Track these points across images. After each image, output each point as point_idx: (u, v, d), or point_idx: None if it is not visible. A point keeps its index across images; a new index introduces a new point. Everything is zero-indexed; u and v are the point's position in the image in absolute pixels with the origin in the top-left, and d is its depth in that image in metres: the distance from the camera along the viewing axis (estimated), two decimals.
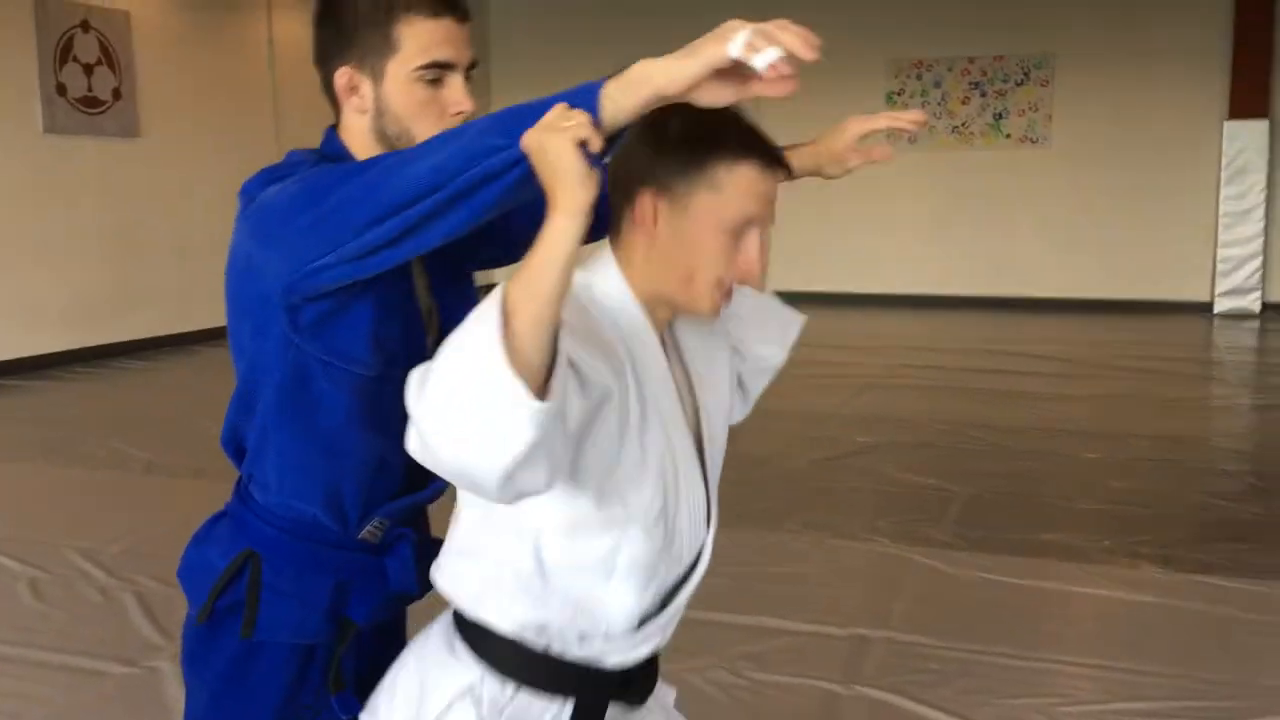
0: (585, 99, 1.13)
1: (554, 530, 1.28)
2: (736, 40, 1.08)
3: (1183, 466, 5.15)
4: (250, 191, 1.40)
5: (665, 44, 1.16)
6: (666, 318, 1.37)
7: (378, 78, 1.43)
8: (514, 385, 1.03)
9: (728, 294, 1.32)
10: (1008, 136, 11.00)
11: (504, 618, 1.32)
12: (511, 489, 1.08)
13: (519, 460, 1.05)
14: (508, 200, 1.20)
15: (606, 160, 1.12)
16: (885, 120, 1.56)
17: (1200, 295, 10.49)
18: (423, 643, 1.43)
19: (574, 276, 1.25)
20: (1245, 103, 10.17)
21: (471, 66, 1.47)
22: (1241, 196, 10.13)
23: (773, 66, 1.07)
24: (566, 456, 1.14)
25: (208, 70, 9.28)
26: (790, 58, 1.08)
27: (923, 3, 10.98)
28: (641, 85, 1.11)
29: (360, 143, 1.46)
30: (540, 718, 1.34)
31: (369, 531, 1.53)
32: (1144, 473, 5.01)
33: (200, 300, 8.91)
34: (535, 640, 1.32)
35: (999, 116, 11.00)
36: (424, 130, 1.42)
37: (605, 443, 1.24)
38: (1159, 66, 10.44)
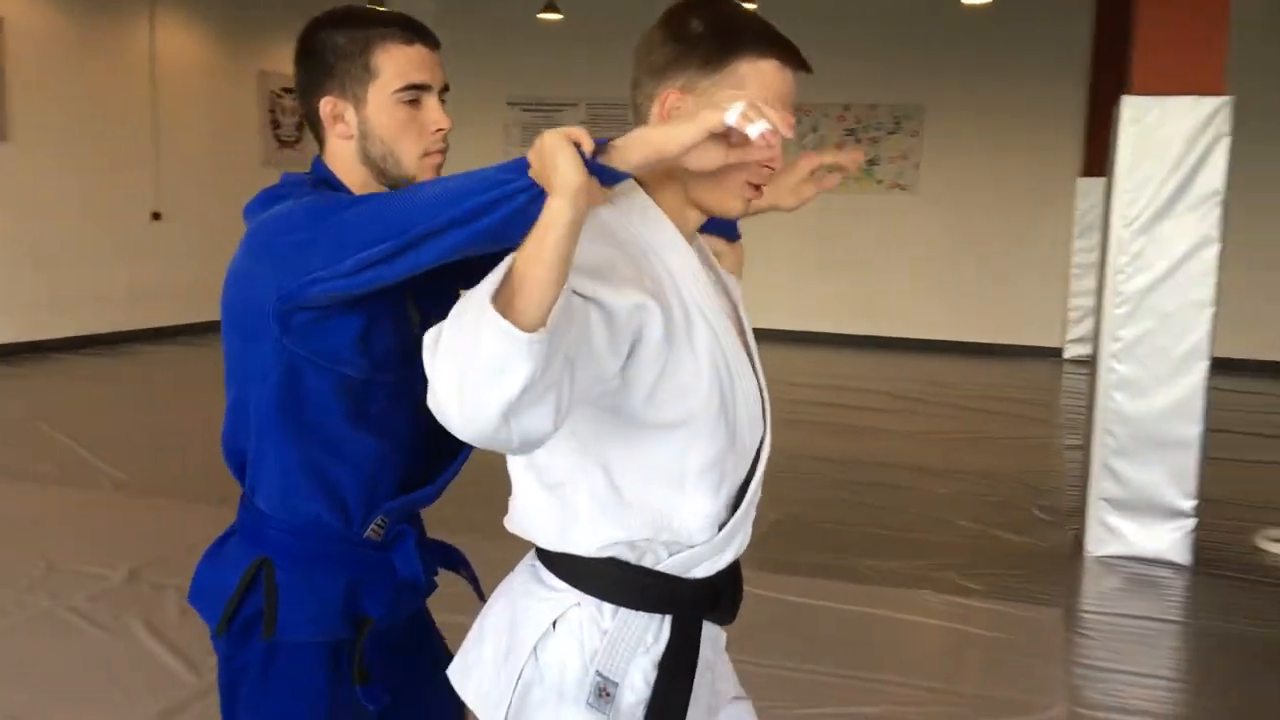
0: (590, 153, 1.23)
1: (619, 446, 1.32)
2: (733, 110, 1.20)
3: (984, 500, 5.52)
4: (254, 211, 1.53)
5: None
6: (697, 221, 1.42)
7: (360, 104, 1.55)
8: (502, 323, 1.07)
9: (758, 189, 1.38)
10: (879, 182, 11.47)
11: (590, 544, 1.34)
12: (516, 429, 1.10)
13: (516, 396, 1.08)
14: (506, 230, 1.27)
15: (598, 159, 1.19)
16: (830, 156, 1.65)
17: (1052, 341, 11.03)
18: (507, 584, 1.47)
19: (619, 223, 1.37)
20: (1098, 160, 10.75)
21: (444, 89, 1.59)
22: (1090, 250, 10.71)
23: (763, 135, 1.20)
24: (571, 393, 1.15)
25: (84, 78, 9.30)
26: (774, 131, 1.20)
27: (804, 52, 11.38)
28: (641, 145, 1.21)
29: (346, 167, 1.58)
30: (641, 637, 1.36)
31: (372, 530, 1.60)
32: (946, 504, 5.38)
33: (62, 308, 8.90)
34: (626, 557, 1.35)
35: (872, 163, 11.47)
36: (407, 148, 1.56)
37: (653, 353, 1.27)
38: (1020, 122, 11.00)
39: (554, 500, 1.36)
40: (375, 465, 1.58)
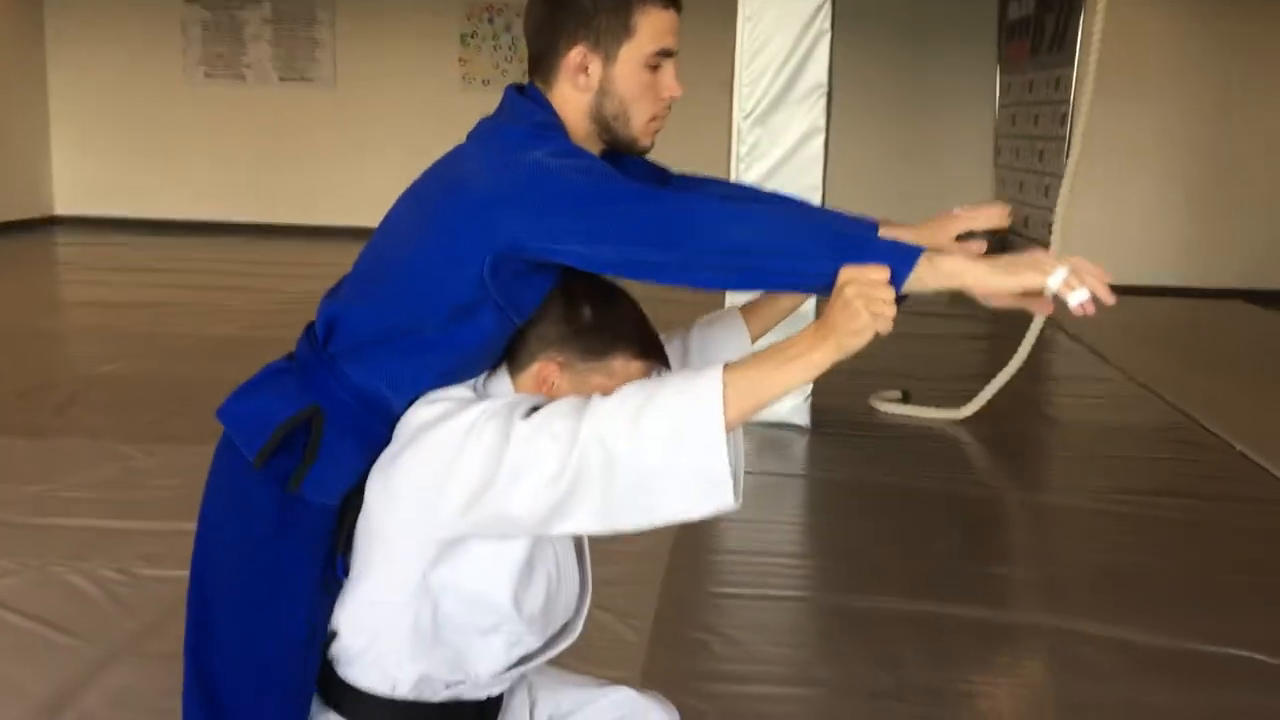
0: (901, 266, 1.28)
1: (456, 591, 1.45)
2: (1056, 276, 1.27)
3: None
4: (508, 143, 1.49)
5: None
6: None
7: (610, 60, 1.52)
8: (730, 497, 1.27)
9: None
10: None
11: (387, 675, 1.50)
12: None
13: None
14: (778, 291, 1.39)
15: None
16: (983, 221, 1.64)
17: None
18: None
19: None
20: None
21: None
22: None
23: (1081, 305, 1.28)
24: None
25: None
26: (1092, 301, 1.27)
27: None
28: (951, 279, 1.28)
29: (573, 117, 1.55)
30: None
31: None
32: None
33: None
34: (407, 695, 1.50)
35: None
36: (640, 111, 1.55)
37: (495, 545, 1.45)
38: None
39: (371, 621, 1.51)
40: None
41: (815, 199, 4.78)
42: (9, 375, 5.68)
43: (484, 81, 11.40)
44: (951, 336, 7.38)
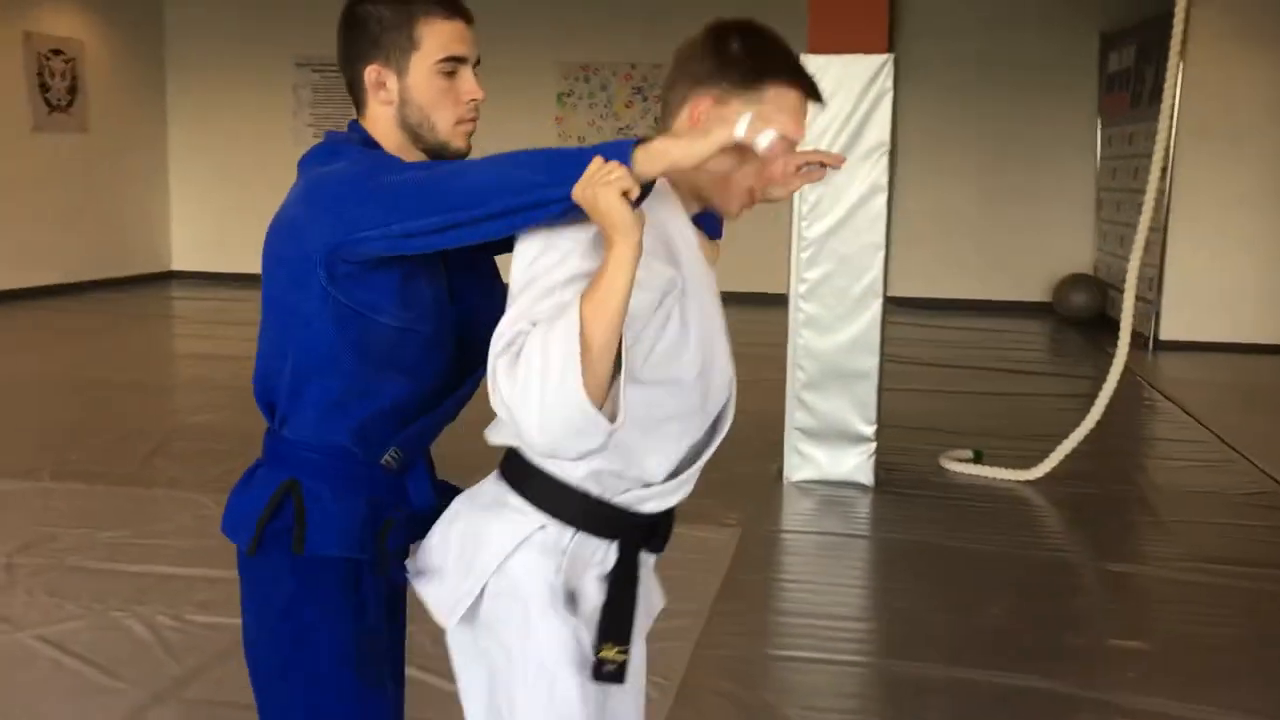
0: (618, 156, 1.37)
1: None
2: (740, 124, 1.34)
3: None
4: (308, 164, 1.65)
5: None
6: (695, 209, 1.59)
7: (402, 73, 1.65)
8: (593, 415, 1.34)
9: (753, 202, 1.57)
10: None
11: (574, 469, 1.52)
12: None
13: (590, 452, 1.40)
14: (542, 224, 1.45)
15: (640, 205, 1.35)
16: (813, 154, 1.70)
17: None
18: (471, 500, 1.64)
19: None
20: None
21: (477, 62, 1.70)
22: None
23: (771, 145, 1.34)
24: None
25: None
26: (784, 139, 1.35)
27: (590, 11, 11.60)
28: (662, 157, 1.37)
29: (385, 130, 1.68)
30: (592, 558, 1.56)
31: (388, 459, 1.69)
32: None
33: None
34: (589, 488, 1.53)
35: (659, 120, 11.75)
36: (443, 116, 1.66)
37: (663, 320, 1.49)
38: None
39: None
40: (402, 404, 1.68)
41: (878, 257, 4.75)
42: (107, 425, 5.95)
43: (579, 138, 11.62)
44: (1040, 396, 7.20)
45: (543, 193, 1.41)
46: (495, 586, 1.55)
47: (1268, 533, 4.58)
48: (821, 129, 4.62)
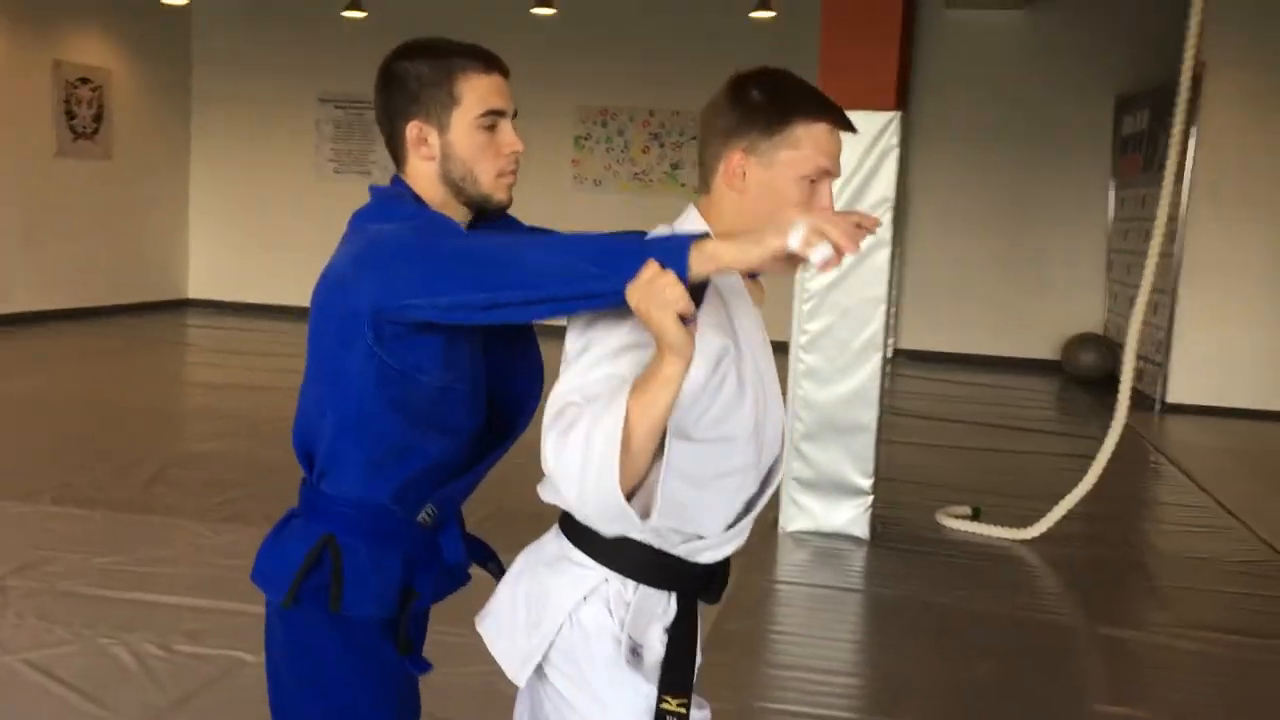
0: (674, 261, 1.37)
1: (672, 441, 1.48)
2: (795, 235, 1.34)
3: None
4: (362, 221, 1.66)
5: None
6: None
7: (443, 129, 1.67)
8: (626, 510, 1.40)
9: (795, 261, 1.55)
10: (683, 185, 11.88)
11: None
12: None
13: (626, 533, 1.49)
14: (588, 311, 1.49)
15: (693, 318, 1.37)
16: (851, 215, 1.63)
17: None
18: (534, 556, 1.66)
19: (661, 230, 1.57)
20: None
21: (514, 114, 1.74)
22: None
23: (826, 259, 1.35)
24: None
25: None
26: (838, 256, 1.36)
27: (610, 56, 11.74)
28: (712, 261, 1.38)
29: (427, 185, 1.69)
30: (655, 610, 1.58)
31: (424, 516, 1.71)
32: None
33: None
34: (649, 540, 1.55)
35: (675, 166, 11.87)
36: (485, 169, 1.68)
37: (715, 382, 1.51)
38: None
39: None
40: (442, 462, 1.70)
41: (879, 310, 4.78)
42: (112, 450, 5.99)
43: (595, 181, 11.74)
44: (1043, 455, 7.19)
45: (595, 284, 1.43)
46: (562, 641, 1.57)
47: (1263, 602, 4.55)
48: None
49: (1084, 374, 10.41)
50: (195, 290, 12.73)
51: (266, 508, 4.70)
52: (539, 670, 1.60)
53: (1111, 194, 10.87)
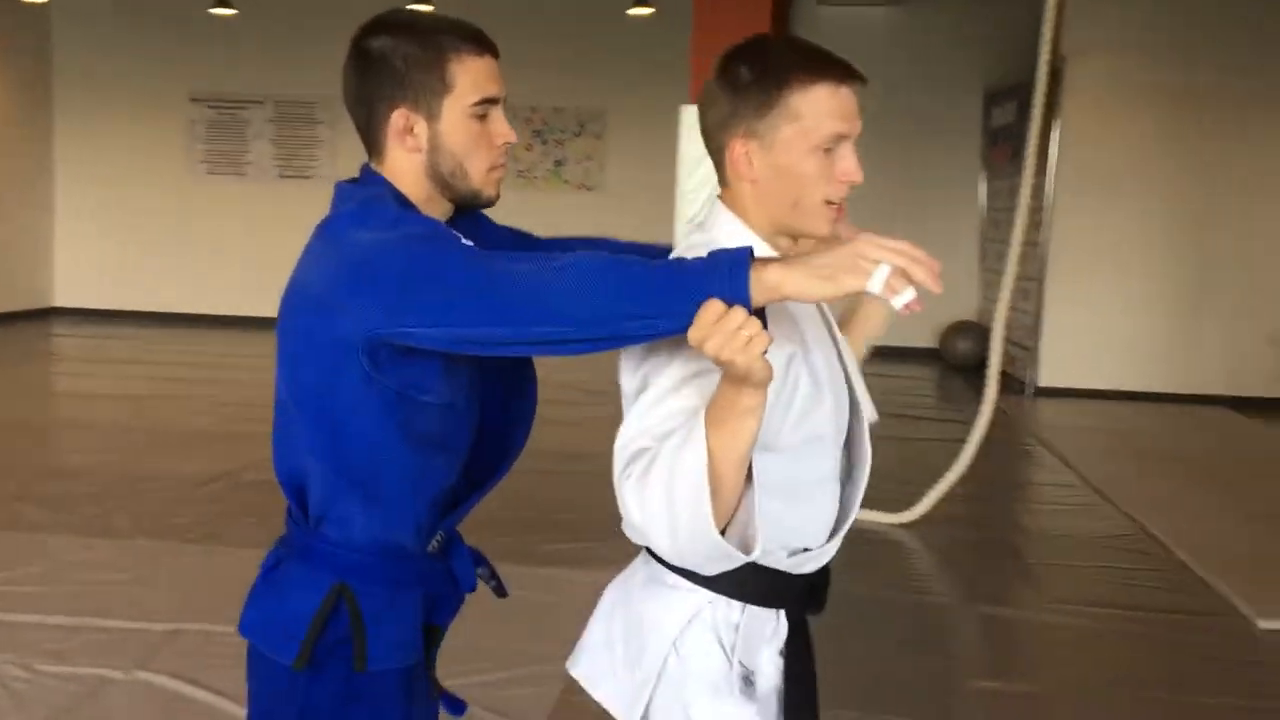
0: (736, 294, 1.21)
1: (758, 457, 1.35)
2: (877, 278, 1.19)
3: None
4: (336, 232, 1.44)
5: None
6: (788, 247, 1.47)
7: (433, 117, 1.47)
8: (727, 549, 1.28)
9: (840, 208, 1.44)
10: (566, 182, 11.87)
11: None
12: None
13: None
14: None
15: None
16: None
17: None
18: (624, 587, 1.53)
19: (695, 238, 1.45)
20: None
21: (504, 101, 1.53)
22: None
23: (910, 304, 1.20)
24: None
25: None
26: (919, 300, 1.22)
27: None
28: (774, 293, 1.22)
29: (410, 181, 1.49)
30: (764, 630, 1.45)
31: (434, 545, 1.58)
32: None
33: None
34: (753, 557, 1.39)
35: (559, 163, 11.85)
36: (476, 162, 1.49)
37: (789, 387, 1.40)
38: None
39: None
40: (444, 483, 1.56)
41: None
42: None
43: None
44: (921, 441, 7.36)
45: (642, 327, 1.27)
46: (674, 670, 1.45)
47: (1130, 575, 4.73)
48: (704, 178, 4.69)
49: (961, 361, 10.68)
50: (62, 298, 12.26)
51: (140, 521, 4.60)
52: (649, 708, 1.46)
53: (983, 185, 11.18)
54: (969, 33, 10.96)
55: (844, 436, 1.52)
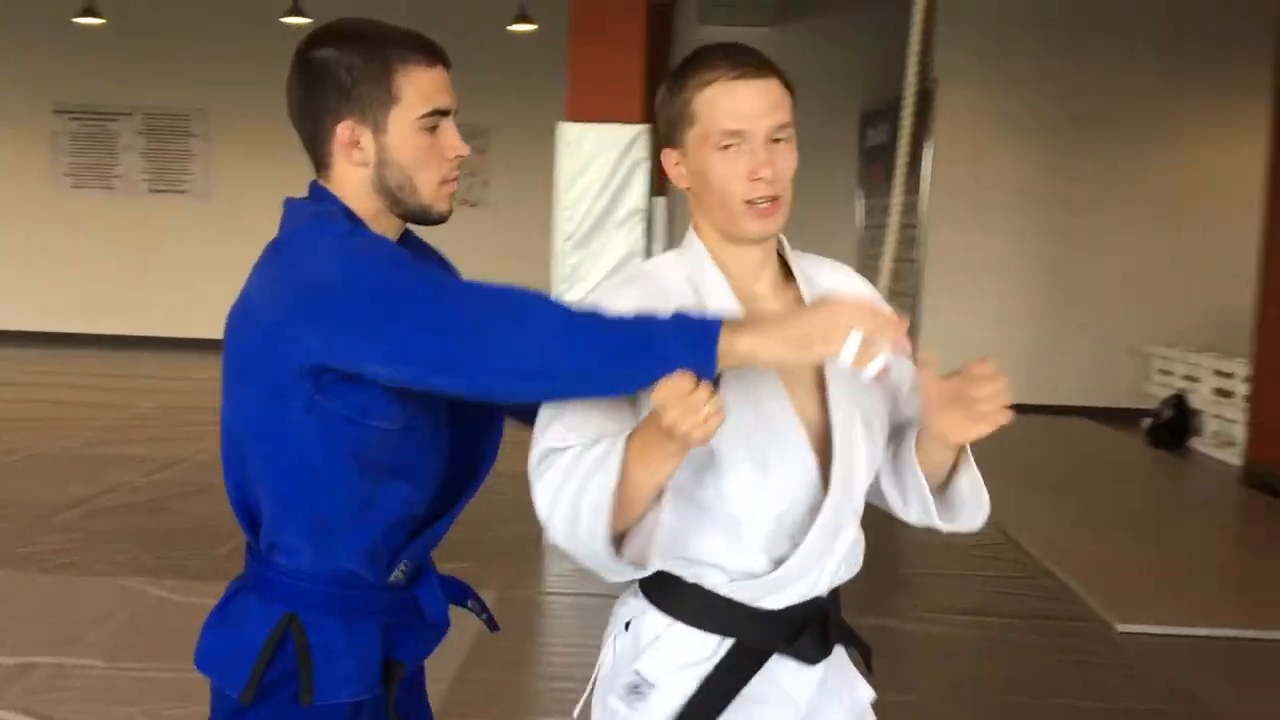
0: (702, 364, 1.22)
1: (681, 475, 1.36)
2: (848, 348, 1.20)
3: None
4: (288, 252, 1.40)
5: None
6: (758, 256, 1.48)
7: (379, 130, 1.43)
8: (620, 564, 1.33)
9: (771, 200, 1.42)
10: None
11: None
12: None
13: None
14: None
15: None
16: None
17: None
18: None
19: (670, 269, 1.46)
20: None
21: (456, 113, 1.50)
22: None
23: (883, 374, 1.21)
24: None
25: None
26: (888, 367, 1.23)
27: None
28: (746, 359, 1.24)
29: (357, 196, 1.45)
30: (692, 654, 1.43)
31: (397, 574, 1.51)
32: None
33: None
34: (684, 573, 1.42)
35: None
36: (426, 177, 1.45)
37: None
38: None
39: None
40: (404, 511, 1.49)
41: None
42: None
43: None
44: None
45: (601, 387, 1.32)
46: (604, 670, 1.54)
47: (1000, 583, 4.87)
48: (580, 194, 4.71)
49: None
50: None
51: (7, 547, 4.40)
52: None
53: (860, 203, 11.45)
54: (845, 55, 11.23)
55: (782, 478, 1.44)
